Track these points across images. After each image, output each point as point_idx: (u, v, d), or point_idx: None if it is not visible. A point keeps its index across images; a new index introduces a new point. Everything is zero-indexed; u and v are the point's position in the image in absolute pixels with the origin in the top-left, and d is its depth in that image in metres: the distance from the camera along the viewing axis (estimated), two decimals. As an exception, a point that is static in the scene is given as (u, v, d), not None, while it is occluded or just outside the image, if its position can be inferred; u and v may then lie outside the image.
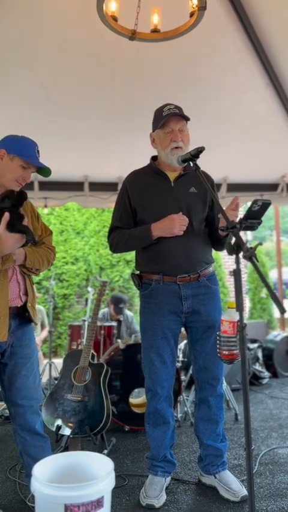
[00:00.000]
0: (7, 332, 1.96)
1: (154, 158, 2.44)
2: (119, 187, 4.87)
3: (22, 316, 2.09)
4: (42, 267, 2.15)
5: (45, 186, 4.74)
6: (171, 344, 2.31)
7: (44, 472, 1.65)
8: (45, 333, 5.19)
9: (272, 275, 11.69)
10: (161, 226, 2.22)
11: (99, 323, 4.52)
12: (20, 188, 2.04)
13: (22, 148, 2.01)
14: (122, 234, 2.36)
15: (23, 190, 2.01)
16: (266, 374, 4.98)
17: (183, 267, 2.27)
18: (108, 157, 4.56)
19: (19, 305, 2.06)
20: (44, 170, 2.08)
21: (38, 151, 2.07)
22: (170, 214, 2.24)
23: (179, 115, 2.25)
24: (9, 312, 1.98)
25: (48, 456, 1.92)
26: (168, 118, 2.24)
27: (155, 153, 2.46)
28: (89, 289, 4.18)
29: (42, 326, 5.31)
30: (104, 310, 5.05)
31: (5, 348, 2.03)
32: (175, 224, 2.18)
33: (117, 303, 4.82)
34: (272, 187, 5.23)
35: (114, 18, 2.52)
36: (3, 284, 1.97)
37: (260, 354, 5.24)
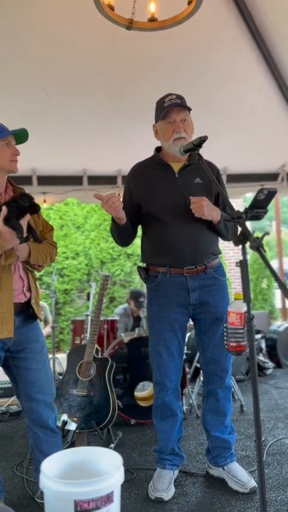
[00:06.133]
0: (13, 328, 1.95)
1: (158, 150, 2.41)
2: (119, 180, 4.87)
3: (26, 312, 2.07)
4: (45, 263, 2.13)
5: (43, 181, 4.72)
6: (179, 337, 2.30)
7: (53, 468, 1.64)
8: (48, 329, 5.19)
9: (272, 265, 11.66)
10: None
11: (116, 317, 4.51)
12: (16, 164, 2.05)
13: None
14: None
15: (38, 204, 1.99)
16: (270, 364, 4.98)
17: (190, 258, 2.25)
18: (106, 150, 4.53)
19: (23, 301, 2.04)
20: (21, 136, 2.06)
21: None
22: (175, 206, 2.23)
23: (181, 105, 2.22)
24: (13, 309, 1.96)
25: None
26: (169, 109, 2.20)
27: (155, 145, 2.43)
28: (92, 283, 4.15)
29: (46, 322, 5.31)
30: (124, 305, 5.03)
31: (9, 346, 2.01)
32: (104, 208, 2.11)
33: (138, 297, 4.78)
34: (272, 176, 5.21)
35: (111, 8, 2.47)
36: (7, 281, 1.95)
37: (263, 345, 5.24)
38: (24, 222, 1.91)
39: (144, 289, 3.42)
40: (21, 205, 1.90)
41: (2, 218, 1.85)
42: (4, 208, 1.86)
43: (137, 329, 3.57)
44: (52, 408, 2.13)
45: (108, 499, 1.48)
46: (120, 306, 5.24)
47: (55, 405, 2.17)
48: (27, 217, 1.93)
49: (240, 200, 8.71)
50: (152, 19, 2.56)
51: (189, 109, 2.25)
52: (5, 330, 1.92)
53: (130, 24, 2.54)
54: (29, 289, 2.07)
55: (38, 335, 2.14)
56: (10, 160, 2.02)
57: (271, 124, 4.31)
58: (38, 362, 2.08)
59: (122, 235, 2.35)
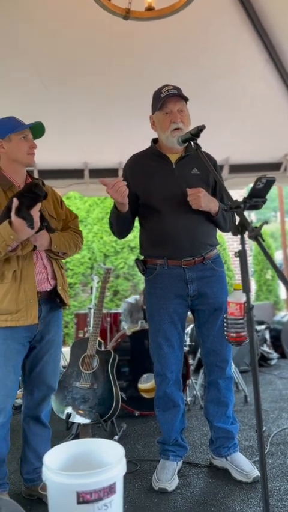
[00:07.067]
0: (37, 314, 1.97)
1: (155, 141, 2.40)
2: (120, 173, 4.83)
3: (53, 301, 2.10)
4: (70, 251, 2.17)
5: (45, 175, 4.70)
6: (179, 328, 2.30)
7: (56, 460, 1.65)
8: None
9: (277, 256, 11.64)
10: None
11: (120, 311, 4.48)
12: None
13: (8, 125, 2.02)
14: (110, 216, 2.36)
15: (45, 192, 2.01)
16: (274, 355, 4.99)
17: (188, 250, 2.24)
18: (107, 142, 4.50)
19: (48, 289, 2.06)
20: (37, 129, 2.08)
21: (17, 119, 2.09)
22: (172, 197, 2.22)
23: (178, 95, 2.20)
24: (38, 297, 1.99)
25: (44, 447, 1.97)
26: (166, 99, 2.19)
27: (155, 136, 2.42)
28: (94, 277, 4.16)
29: None
30: (135, 296, 5.01)
31: (35, 334, 2.05)
32: (110, 192, 2.08)
33: None
34: (275, 166, 5.16)
35: (108, -3, 2.45)
36: (29, 270, 1.98)
37: (267, 336, 5.24)
38: (35, 211, 1.92)
39: (135, 282, 3.40)
40: (39, 195, 1.92)
41: (14, 209, 1.86)
42: (15, 200, 1.87)
43: (139, 321, 3.57)
44: (47, 402, 2.17)
45: (110, 490, 1.48)
46: (132, 296, 5.20)
47: (52, 400, 2.21)
48: (38, 205, 1.94)
49: (243, 191, 8.66)
50: (149, 8, 2.54)
51: (186, 99, 2.24)
52: (30, 316, 1.95)
53: (127, 14, 2.51)
54: (54, 277, 2.09)
55: (58, 326, 2.18)
56: (28, 154, 2.05)
57: (273, 114, 4.26)
58: (50, 355, 2.13)
59: (122, 224, 2.34)
